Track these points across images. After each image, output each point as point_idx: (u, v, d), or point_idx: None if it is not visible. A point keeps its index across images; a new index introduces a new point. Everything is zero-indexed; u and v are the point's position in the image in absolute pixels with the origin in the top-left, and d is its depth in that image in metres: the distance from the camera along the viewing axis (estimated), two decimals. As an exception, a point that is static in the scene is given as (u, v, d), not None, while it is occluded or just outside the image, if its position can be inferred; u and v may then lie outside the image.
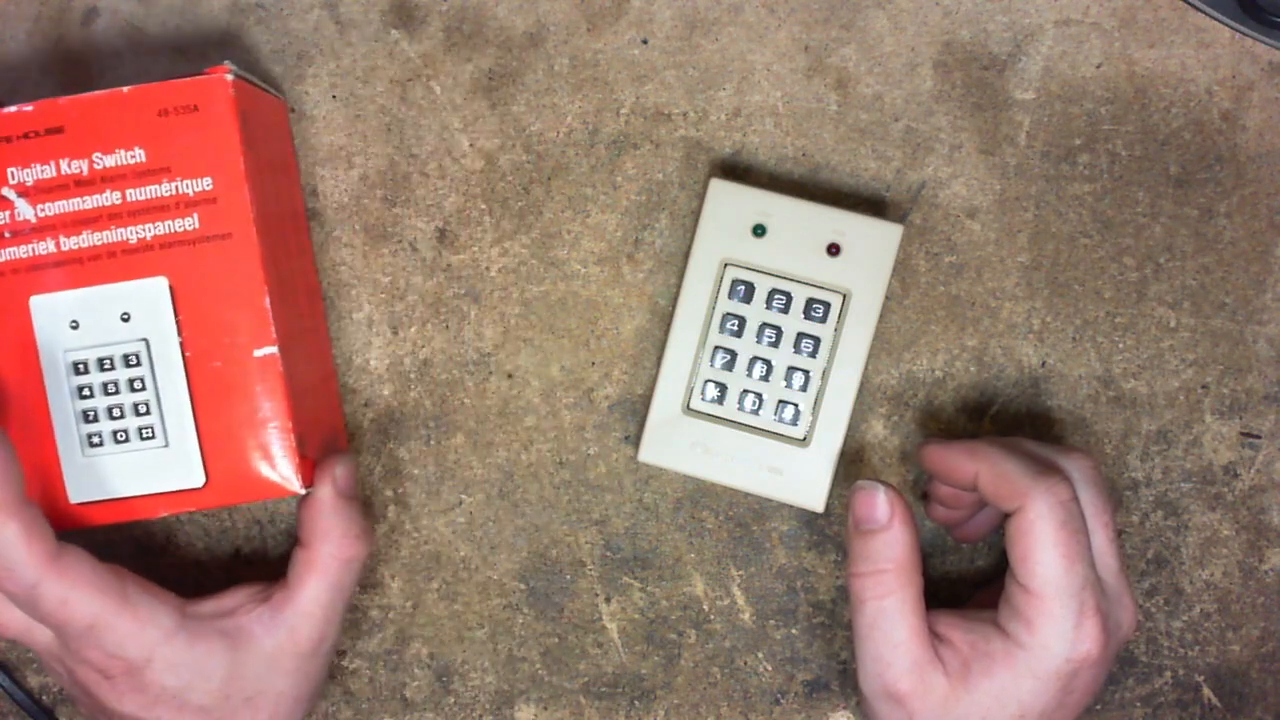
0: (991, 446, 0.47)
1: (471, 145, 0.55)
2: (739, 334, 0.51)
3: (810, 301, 0.51)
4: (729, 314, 0.51)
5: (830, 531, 0.55)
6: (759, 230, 0.51)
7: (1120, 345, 0.54)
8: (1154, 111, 0.54)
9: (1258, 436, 0.55)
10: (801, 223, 0.51)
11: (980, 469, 0.46)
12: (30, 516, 0.43)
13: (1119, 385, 0.55)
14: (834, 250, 0.50)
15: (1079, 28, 0.54)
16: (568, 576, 0.56)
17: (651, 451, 0.52)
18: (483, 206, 0.55)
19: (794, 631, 0.56)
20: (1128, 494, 0.55)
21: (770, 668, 0.56)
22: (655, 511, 0.56)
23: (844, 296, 0.50)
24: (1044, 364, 0.55)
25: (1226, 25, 0.53)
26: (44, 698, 0.57)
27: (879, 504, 0.47)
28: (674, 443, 0.52)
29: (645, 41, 0.54)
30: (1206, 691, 0.55)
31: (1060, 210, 0.54)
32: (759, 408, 0.51)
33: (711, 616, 0.56)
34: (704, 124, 0.54)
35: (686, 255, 0.52)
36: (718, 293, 0.51)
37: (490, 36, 0.55)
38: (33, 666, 0.57)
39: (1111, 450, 0.55)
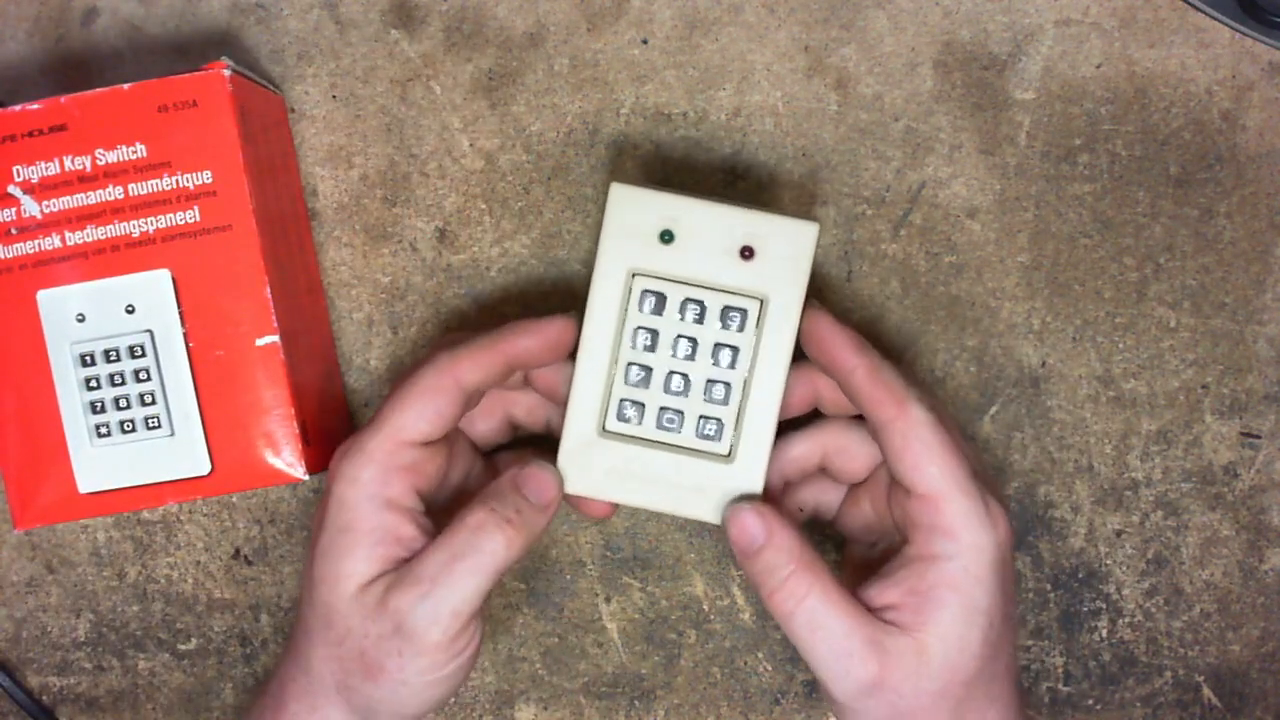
0: (874, 351, 0.46)
1: (471, 145, 0.55)
2: (653, 348, 0.48)
3: (726, 309, 0.47)
4: (641, 327, 0.48)
5: (829, 531, 0.55)
6: (666, 236, 0.47)
7: (1120, 345, 0.54)
8: (1154, 111, 0.54)
9: (1258, 436, 0.55)
10: (711, 226, 0.47)
11: (861, 363, 0.45)
12: None
13: (1119, 385, 0.55)
14: (747, 254, 0.47)
15: (1079, 28, 0.54)
16: (568, 576, 0.56)
17: (571, 481, 0.48)
18: (483, 206, 0.55)
19: (794, 631, 0.56)
20: (1128, 494, 0.55)
21: (770, 668, 0.56)
22: (655, 511, 0.56)
23: (761, 302, 0.47)
24: (1044, 364, 0.55)
25: (1226, 25, 0.53)
26: (44, 698, 0.57)
27: (752, 524, 0.46)
28: (593, 468, 0.48)
29: (645, 41, 0.54)
30: (1206, 691, 0.55)
31: (1060, 210, 0.54)
32: (679, 425, 0.48)
33: (711, 616, 0.56)
34: (704, 124, 0.55)
35: (591, 267, 0.49)
36: (627, 305, 0.47)
37: (490, 36, 0.55)
38: (33, 666, 0.57)
39: (1111, 450, 0.55)
